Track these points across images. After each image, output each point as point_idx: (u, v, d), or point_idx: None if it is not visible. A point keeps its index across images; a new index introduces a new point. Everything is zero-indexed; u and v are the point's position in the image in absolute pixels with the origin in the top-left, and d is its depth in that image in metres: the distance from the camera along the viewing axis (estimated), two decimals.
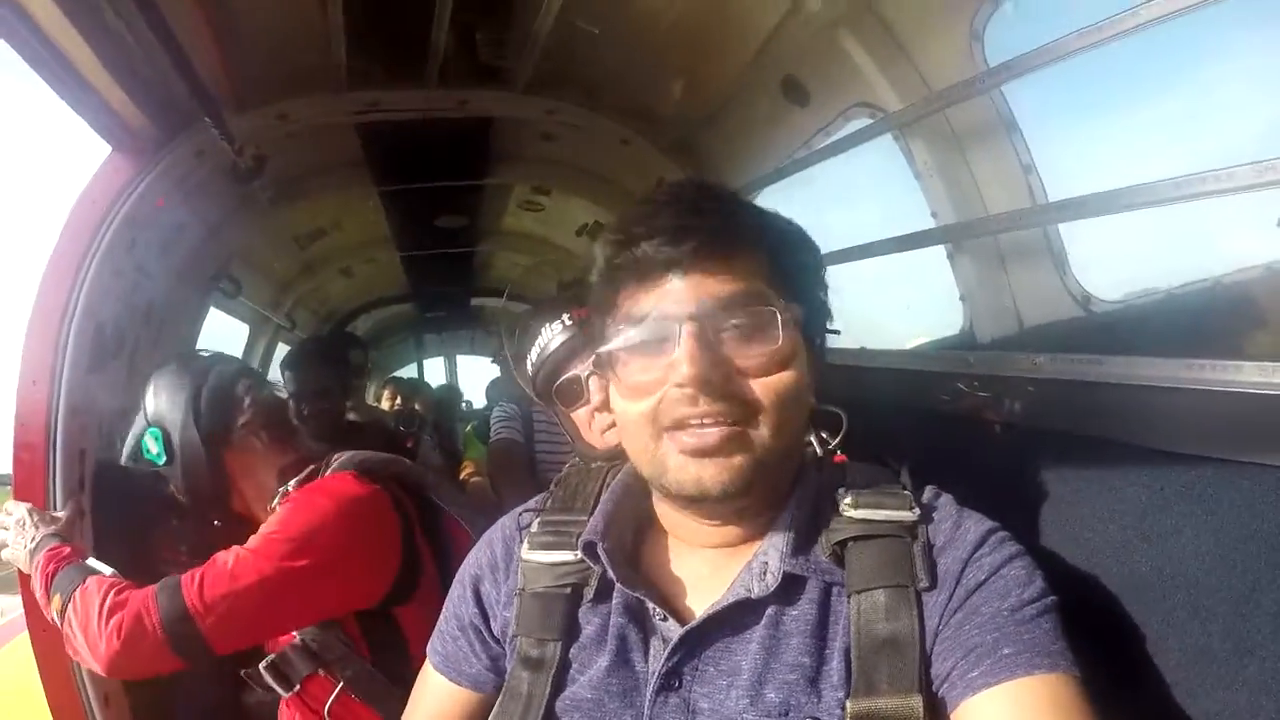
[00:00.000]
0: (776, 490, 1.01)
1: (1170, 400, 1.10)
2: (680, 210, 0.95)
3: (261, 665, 1.73)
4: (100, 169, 2.15)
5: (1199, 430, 1.06)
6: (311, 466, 1.79)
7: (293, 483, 1.74)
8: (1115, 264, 1.58)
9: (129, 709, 1.96)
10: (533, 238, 4.95)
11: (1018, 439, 1.39)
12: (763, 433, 0.93)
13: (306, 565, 1.57)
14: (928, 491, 1.04)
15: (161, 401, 1.80)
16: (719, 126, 2.55)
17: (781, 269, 0.98)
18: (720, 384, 0.91)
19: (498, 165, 3.40)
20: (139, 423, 1.81)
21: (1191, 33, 1.16)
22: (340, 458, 1.79)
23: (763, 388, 0.93)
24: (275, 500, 1.74)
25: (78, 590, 1.62)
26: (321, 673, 1.71)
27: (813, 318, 1.01)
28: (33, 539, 1.81)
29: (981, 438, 1.46)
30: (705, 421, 0.92)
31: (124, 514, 2.11)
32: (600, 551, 1.01)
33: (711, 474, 0.93)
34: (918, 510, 0.99)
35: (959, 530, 0.97)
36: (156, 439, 1.77)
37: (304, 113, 2.49)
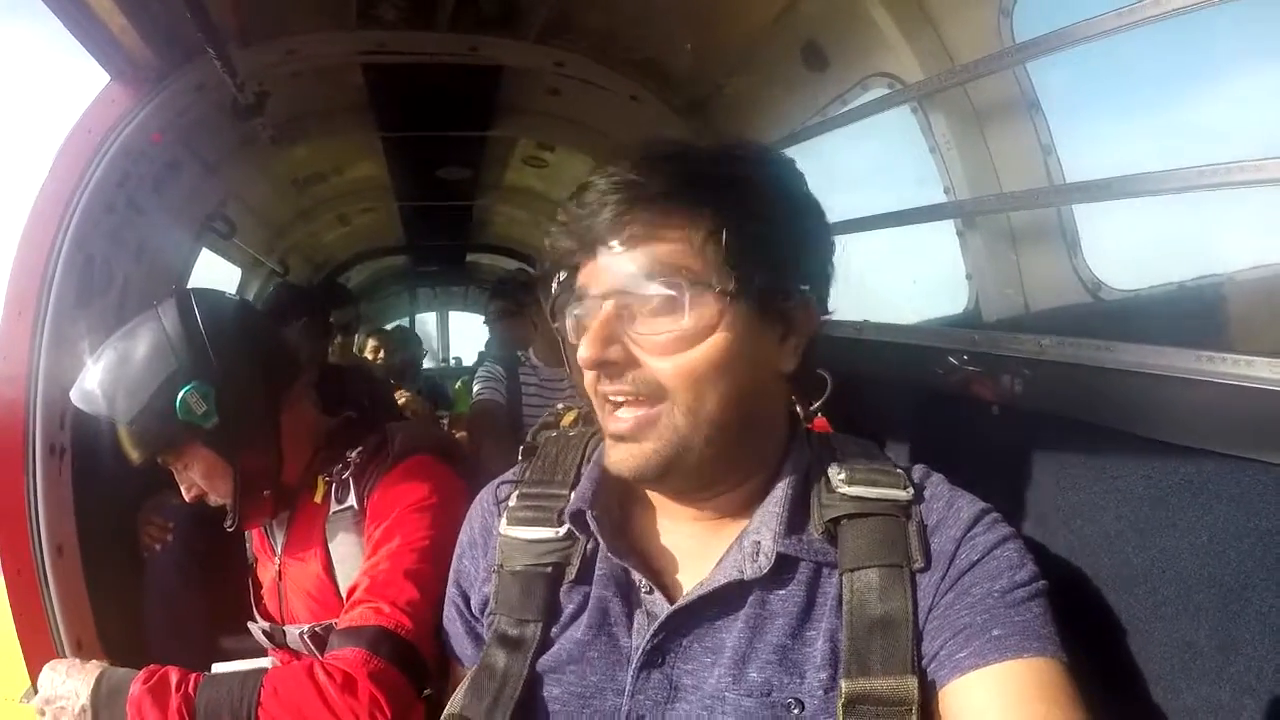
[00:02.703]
0: (741, 466, 1.00)
1: (1176, 391, 1.09)
2: (610, 176, 0.94)
3: (300, 633, 1.70)
4: (97, 98, 2.10)
5: (1202, 423, 1.05)
6: (375, 438, 1.75)
7: (356, 454, 1.71)
8: (1129, 252, 1.57)
9: (102, 654, 1.95)
10: (534, 194, 4.91)
11: (1017, 421, 1.39)
12: (675, 416, 0.92)
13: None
14: (918, 470, 1.03)
15: (202, 350, 1.59)
16: (733, 88, 2.50)
17: (732, 231, 0.91)
18: (621, 365, 0.93)
19: (503, 117, 3.34)
20: (157, 373, 1.56)
21: (1226, 22, 1.13)
22: (401, 434, 1.76)
23: (669, 369, 0.91)
24: (344, 471, 1.71)
25: (252, 698, 1.36)
26: None
27: (780, 283, 0.95)
28: (76, 693, 1.44)
29: (981, 418, 1.45)
30: (614, 399, 0.95)
31: (106, 469, 1.96)
32: (590, 519, 0.99)
33: (623, 458, 0.95)
34: (911, 489, 0.98)
35: (951, 510, 0.97)
36: (205, 396, 1.57)
37: (310, 50, 2.43)
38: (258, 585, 1.93)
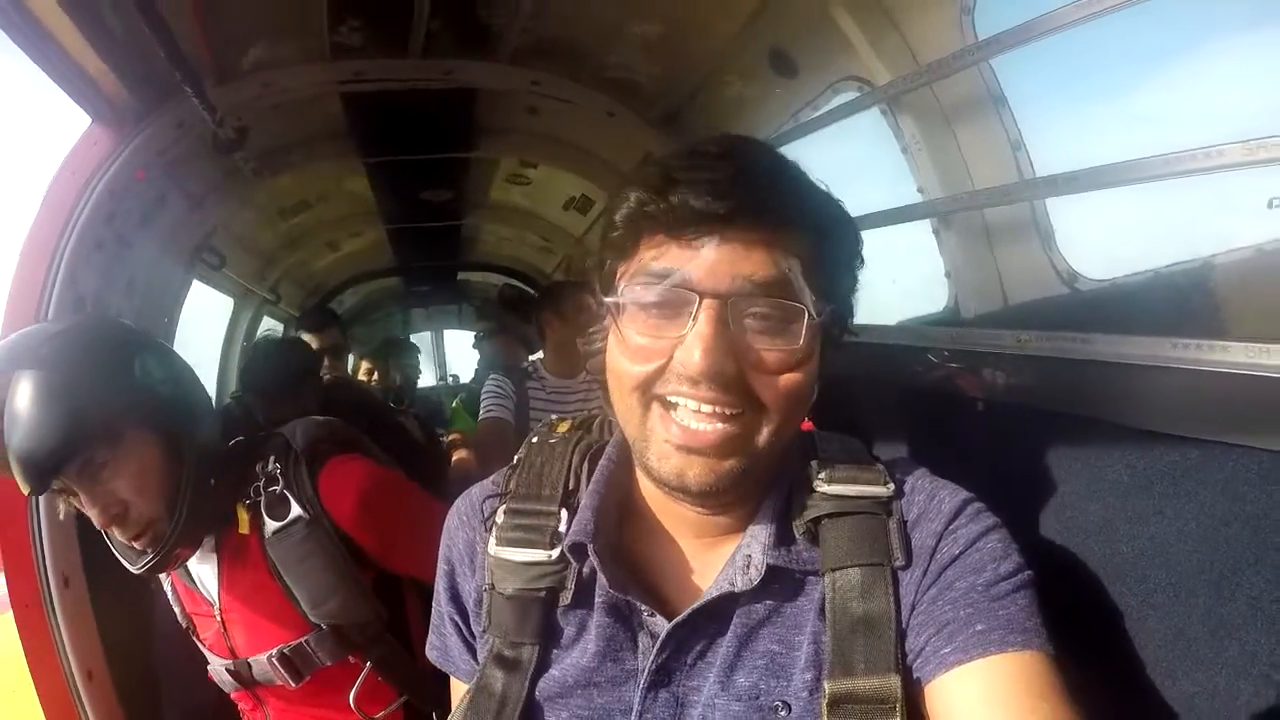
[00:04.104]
0: (762, 482, 0.98)
1: (1156, 380, 1.09)
2: (731, 163, 0.85)
3: (268, 658, 1.65)
4: (79, 140, 2.12)
5: (1184, 411, 1.06)
6: (275, 443, 1.71)
7: (268, 466, 1.67)
8: (1102, 242, 1.58)
9: (112, 685, 1.96)
10: (520, 211, 4.92)
11: (1001, 416, 1.39)
12: (763, 433, 0.89)
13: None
14: (900, 464, 1.03)
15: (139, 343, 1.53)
16: (705, 99, 2.52)
17: (822, 260, 0.89)
18: (732, 378, 0.86)
19: (483, 138, 3.36)
20: (104, 341, 1.47)
21: (1186, 8, 1.15)
22: (298, 427, 1.73)
23: (773, 387, 0.88)
24: (270, 485, 1.64)
25: None
26: (351, 659, 1.68)
27: (839, 317, 0.95)
28: None
29: (964, 415, 1.46)
30: (703, 410, 0.87)
31: None
32: (591, 554, 0.96)
33: (697, 472, 0.89)
34: (892, 485, 0.98)
35: (933, 502, 0.96)
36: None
37: (286, 83, 2.44)
38: (201, 639, 1.80)
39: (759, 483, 0.97)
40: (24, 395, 1.35)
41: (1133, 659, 1.06)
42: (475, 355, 5.98)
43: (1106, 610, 1.10)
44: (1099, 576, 1.12)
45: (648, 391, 0.90)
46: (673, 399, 0.88)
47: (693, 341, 0.84)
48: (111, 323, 1.53)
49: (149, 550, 1.53)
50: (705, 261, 0.85)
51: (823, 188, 0.94)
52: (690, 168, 0.85)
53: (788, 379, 0.88)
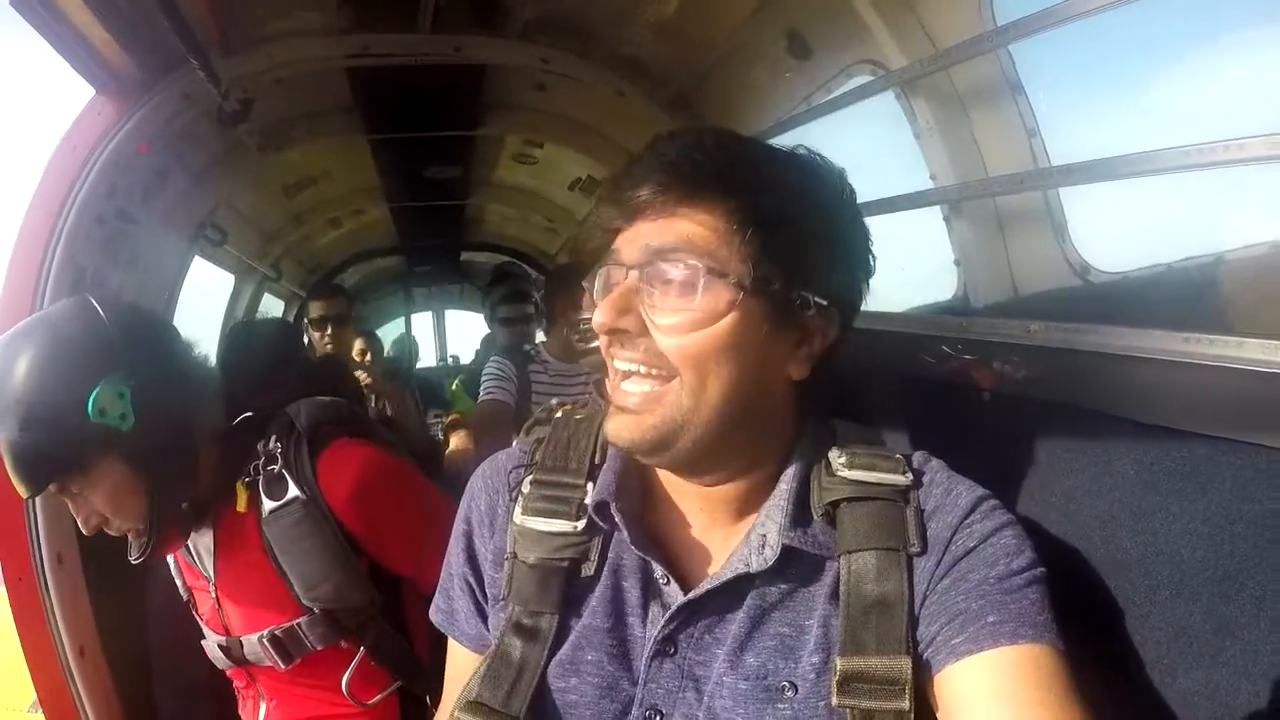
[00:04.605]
0: (744, 454, 1.00)
1: (1166, 374, 1.08)
2: (660, 154, 0.94)
3: (259, 639, 1.65)
4: (83, 112, 2.10)
5: (1194, 406, 1.05)
6: (279, 422, 1.71)
7: (270, 444, 1.67)
8: (1116, 235, 1.57)
9: (105, 661, 1.96)
10: (525, 191, 4.91)
11: (1008, 407, 1.39)
12: (680, 395, 0.92)
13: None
14: (918, 456, 1.04)
15: (110, 345, 1.46)
16: (717, 80, 2.50)
17: (760, 229, 0.91)
18: (633, 335, 0.94)
19: (490, 115, 3.34)
20: (61, 371, 1.40)
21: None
22: (302, 408, 1.74)
23: (679, 348, 0.91)
24: (269, 465, 1.64)
25: None
26: (344, 643, 1.67)
27: (799, 291, 0.93)
28: None
29: (971, 405, 1.45)
30: (628, 370, 0.96)
31: None
32: (614, 511, 0.98)
33: (620, 428, 0.96)
34: (910, 475, 0.99)
35: (950, 496, 0.97)
36: (121, 396, 1.43)
37: (293, 55, 2.43)
38: (199, 612, 1.81)
39: (735, 453, 0.99)
40: None
41: (1134, 654, 1.05)
42: (472, 335, 5.92)
43: (1109, 606, 1.09)
44: (1102, 572, 1.12)
45: (609, 364, 0.99)
46: (613, 363, 0.98)
47: (601, 302, 0.95)
48: (81, 336, 1.43)
49: (136, 544, 1.56)
50: (629, 239, 0.95)
51: (758, 152, 1.00)
52: (637, 161, 0.96)
53: (690, 338, 0.91)
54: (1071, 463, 1.21)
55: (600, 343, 0.98)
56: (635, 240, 0.94)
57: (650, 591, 1.00)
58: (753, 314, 0.91)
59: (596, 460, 1.07)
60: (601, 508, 1.00)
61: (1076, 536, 1.17)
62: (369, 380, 3.84)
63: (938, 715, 0.89)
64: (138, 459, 1.46)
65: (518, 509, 1.07)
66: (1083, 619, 1.06)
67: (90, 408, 1.37)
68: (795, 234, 0.93)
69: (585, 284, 1.04)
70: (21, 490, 1.41)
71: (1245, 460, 0.95)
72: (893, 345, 1.74)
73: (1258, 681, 0.90)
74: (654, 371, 0.94)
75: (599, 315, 0.94)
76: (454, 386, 4.22)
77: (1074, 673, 0.84)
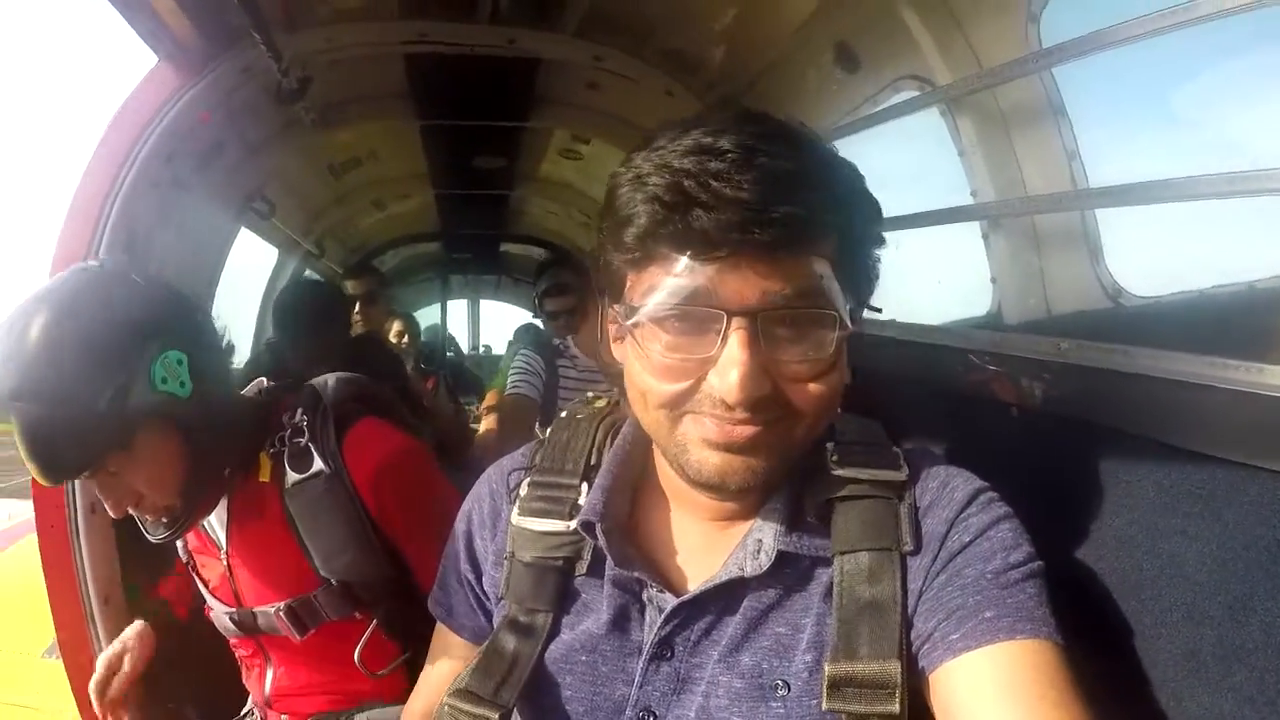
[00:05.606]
0: (786, 471, 0.98)
1: (1192, 397, 1.08)
2: (749, 171, 0.77)
3: (275, 611, 1.67)
4: (145, 79, 2.15)
5: (1217, 430, 1.04)
6: (306, 393, 1.74)
7: (295, 416, 1.69)
8: (1149, 259, 1.56)
9: (127, 611, 2.01)
10: (569, 186, 4.94)
11: (1033, 423, 1.39)
12: (796, 434, 0.89)
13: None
14: (917, 451, 1.03)
15: (162, 307, 1.44)
16: (766, 86, 2.51)
17: (848, 252, 0.86)
18: (768, 397, 0.83)
19: (540, 109, 3.38)
20: (118, 341, 1.33)
21: (1257, 29, 1.13)
22: (330, 381, 1.77)
23: (806, 394, 0.86)
24: (295, 436, 1.65)
25: None
26: (357, 614, 1.70)
27: (864, 303, 0.93)
28: None
29: (997, 418, 1.45)
30: (738, 418, 0.85)
31: None
32: (598, 533, 0.98)
33: (735, 469, 0.88)
34: (907, 469, 0.98)
35: (946, 489, 0.96)
36: (180, 363, 1.41)
37: (352, 38, 2.47)
38: (203, 579, 1.81)
39: (786, 470, 0.97)
40: (30, 410, 1.28)
41: (1142, 675, 1.05)
42: (507, 326, 5.94)
43: (1120, 626, 1.09)
44: (1116, 592, 1.11)
45: (677, 408, 0.88)
46: (703, 413, 0.87)
47: (726, 366, 0.81)
48: (129, 305, 1.37)
49: (164, 525, 1.54)
50: (730, 277, 0.80)
51: (843, 167, 0.89)
52: (705, 181, 0.77)
53: (821, 383, 0.87)
54: (1094, 480, 1.21)
55: (706, 394, 0.85)
56: (742, 281, 0.80)
57: (644, 597, 1.01)
58: (844, 340, 0.88)
59: (593, 460, 1.08)
60: (587, 527, 1.00)
61: (1092, 554, 1.17)
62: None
63: (936, 714, 0.87)
64: (192, 426, 1.46)
65: (514, 510, 1.09)
66: (1094, 636, 1.06)
67: (153, 375, 1.35)
68: (870, 253, 0.92)
69: (642, 319, 0.86)
70: (58, 477, 1.38)
71: (1262, 486, 0.95)
72: (926, 356, 1.74)
73: (1263, 709, 0.89)
74: (766, 418, 0.85)
75: (739, 389, 0.80)
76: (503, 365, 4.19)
77: (1076, 669, 0.84)
